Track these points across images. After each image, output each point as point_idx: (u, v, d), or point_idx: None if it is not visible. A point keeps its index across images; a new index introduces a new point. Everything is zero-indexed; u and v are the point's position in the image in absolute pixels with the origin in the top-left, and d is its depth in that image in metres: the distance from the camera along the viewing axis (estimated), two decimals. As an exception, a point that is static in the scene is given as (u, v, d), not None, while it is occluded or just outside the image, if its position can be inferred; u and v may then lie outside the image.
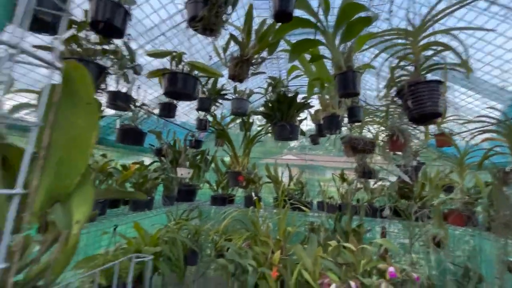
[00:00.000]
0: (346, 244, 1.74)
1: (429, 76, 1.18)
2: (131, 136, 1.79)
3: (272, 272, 1.52)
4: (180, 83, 1.45)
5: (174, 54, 1.48)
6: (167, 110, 1.89)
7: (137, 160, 2.48)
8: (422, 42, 1.15)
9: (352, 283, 1.22)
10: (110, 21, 0.96)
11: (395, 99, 1.13)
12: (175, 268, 2.19)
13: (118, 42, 1.44)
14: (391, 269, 1.21)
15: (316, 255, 1.66)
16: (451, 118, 1.99)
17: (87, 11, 1.05)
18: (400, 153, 1.90)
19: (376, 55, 1.38)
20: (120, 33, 1.03)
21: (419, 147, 2.06)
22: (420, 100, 0.97)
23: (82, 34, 1.18)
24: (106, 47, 1.24)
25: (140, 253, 2.02)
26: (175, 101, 1.94)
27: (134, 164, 2.34)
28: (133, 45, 1.68)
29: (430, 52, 1.18)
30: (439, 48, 1.07)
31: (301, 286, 1.67)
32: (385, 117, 1.61)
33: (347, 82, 1.28)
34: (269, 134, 2.76)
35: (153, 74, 1.52)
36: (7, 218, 0.35)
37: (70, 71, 0.41)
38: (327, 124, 1.71)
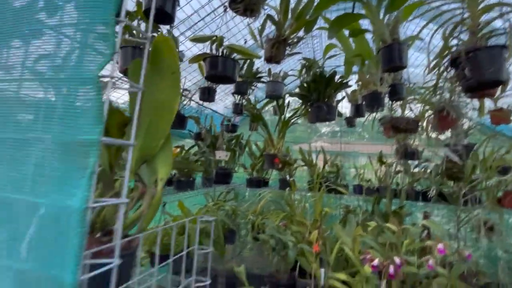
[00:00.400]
0: (387, 225, 1.72)
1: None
2: (176, 121, 1.91)
3: (314, 247, 1.57)
4: (221, 67, 1.50)
5: (215, 38, 1.53)
6: (207, 94, 1.99)
7: (177, 144, 2.65)
8: (482, 5, 1.05)
9: (397, 259, 1.22)
10: (162, 7, 1.04)
11: (448, 69, 1.06)
12: (216, 245, 2.35)
13: (162, 30, 1.52)
14: (440, 245, 1.18)
15: (355, 234, 1.67)
16: (510, 92, 1.80)
17: (140, 2, 1.14)
18: (448, 131, 1.78)
19: (425, 25, 1.29)
20: (170, 19, 1.10)
21: (471, 124, 1.90)
22: (479, 67, 0.90)
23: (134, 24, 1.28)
24: (155, 34, 1.33)
25: (184, 228, 2.20)
26: (214, 85, 2.02)
27: (176, 147, 2.52)
28: (174, 32, 1.76)
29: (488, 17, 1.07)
30: (504, 9, 0.97)
31: (340, 263, 1.70)
32: (432, 92, 1.52)
33: (392, 55, 1.23)
34: (299, 121, 2.75)
35: (195, 59, 1.60)
36: (125, 167, 0.43)
37: (159, 43, 0.47)
38: (368, 102, 1.66)
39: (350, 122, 2.87)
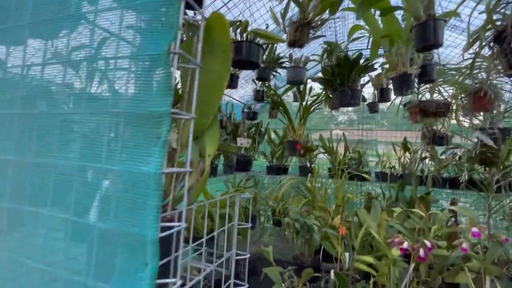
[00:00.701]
0: (413, 210, 1.69)
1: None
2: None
3: (340, 230, 1.58)
4: (245, 52, 1.51)
5: (239, 23, 1.52)
6: (230, 81, 2.00)
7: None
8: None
9: (427, 242, 1.21)
10: (192, -8, 1.05)
11: (491, 45, 1.00)
12: (239, 229, 2.42)
13: (187, 17, 1.54)
14: (474, 229, 1.15)
15: (381, 219, 1.66)
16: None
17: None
18: (483, 113, 1.70)
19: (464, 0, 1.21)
20: (200, 3, 1.11)
21: (507, 107, 1.80)
22: (528, 40, 0.85)
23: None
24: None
25: (209, 214, 2.28)
26: (237, 72, 2.02)
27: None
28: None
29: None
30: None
31: (365, 248, 1.71)
32: (468, 72, 1.44)
33: (427, 32, 1.17)
34: (316, 110, 2.71)
35: (219, 45, 1.60)
36: (186, 141, 0.46)
37: (211, 21, 0.48)
38: (397, 84, 1.60)
39: (372, 107, 2.80)
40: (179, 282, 0.41)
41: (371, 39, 2.41)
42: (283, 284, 1.29)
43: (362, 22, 1.92)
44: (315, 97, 2.57)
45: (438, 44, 1.19)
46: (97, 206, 0.41)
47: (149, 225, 0.37)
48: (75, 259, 0.44)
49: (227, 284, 0.77)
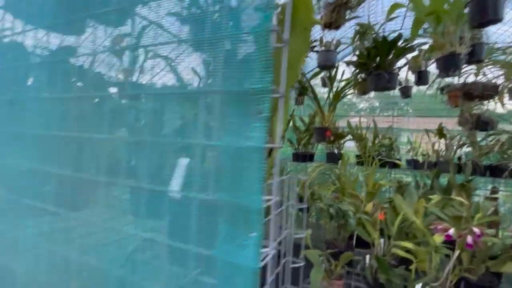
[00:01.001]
0: (454, 197, 1.64)
1: None
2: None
3: (379, 215, 1.57)
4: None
5: (275, 5, 1.49)
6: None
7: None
8: None
9: (476, 229, 1.17)
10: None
11: None
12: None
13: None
14: (532, 216, 1.10)
15: (418, 205, 1.62)
16: None
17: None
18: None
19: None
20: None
21: None
22: None
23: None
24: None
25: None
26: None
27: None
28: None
29: None
30: None
31: (401, 235, 1.69)
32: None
33: (486, 7, 1.09)
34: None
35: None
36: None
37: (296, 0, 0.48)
38: (443, 65, 1.51)
39: (405, 92, 2.68)
40: (273, 252, 0.44)
41: (407, 18, 2.27)
42: (322, 265, 1.32)
43: (401, 0, 1.81)
44: (345, 82, 2.49)
45: (497, 20, 1.10)
46: (202, 179, 0.44)
47: (254, 196, 0.39)
48: (178, 228, 0.47)
49: (284, 261, 0.80)
